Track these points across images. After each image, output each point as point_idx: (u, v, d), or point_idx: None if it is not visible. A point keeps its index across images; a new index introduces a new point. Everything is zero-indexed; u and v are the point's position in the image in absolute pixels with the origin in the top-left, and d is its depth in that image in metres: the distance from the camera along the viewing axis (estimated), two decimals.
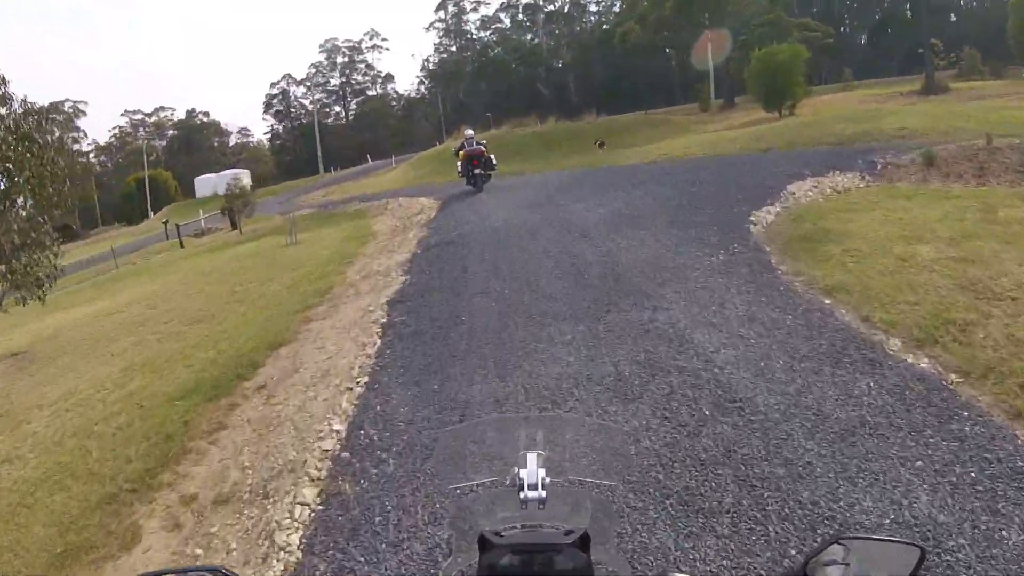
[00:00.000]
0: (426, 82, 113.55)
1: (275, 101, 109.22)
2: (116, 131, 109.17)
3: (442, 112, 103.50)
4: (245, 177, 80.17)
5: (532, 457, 1.71)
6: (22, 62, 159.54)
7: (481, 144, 22.25)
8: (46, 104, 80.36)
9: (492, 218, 15.24)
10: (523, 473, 1.68)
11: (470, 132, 23.64)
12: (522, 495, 1.65)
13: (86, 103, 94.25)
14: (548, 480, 1.66)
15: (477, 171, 21.48)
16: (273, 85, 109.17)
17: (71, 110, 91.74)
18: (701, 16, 56.61)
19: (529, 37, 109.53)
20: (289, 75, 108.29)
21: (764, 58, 37.55)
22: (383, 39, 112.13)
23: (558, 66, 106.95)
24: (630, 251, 10.68)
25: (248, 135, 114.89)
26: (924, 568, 1.34)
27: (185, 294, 15.80)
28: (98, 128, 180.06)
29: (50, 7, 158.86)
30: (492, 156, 22.21)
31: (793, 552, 3.95)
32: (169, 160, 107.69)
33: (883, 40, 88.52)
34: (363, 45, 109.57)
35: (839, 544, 1.40)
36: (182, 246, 37.53)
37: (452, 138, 48.43)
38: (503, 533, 1.51)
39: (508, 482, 1.73)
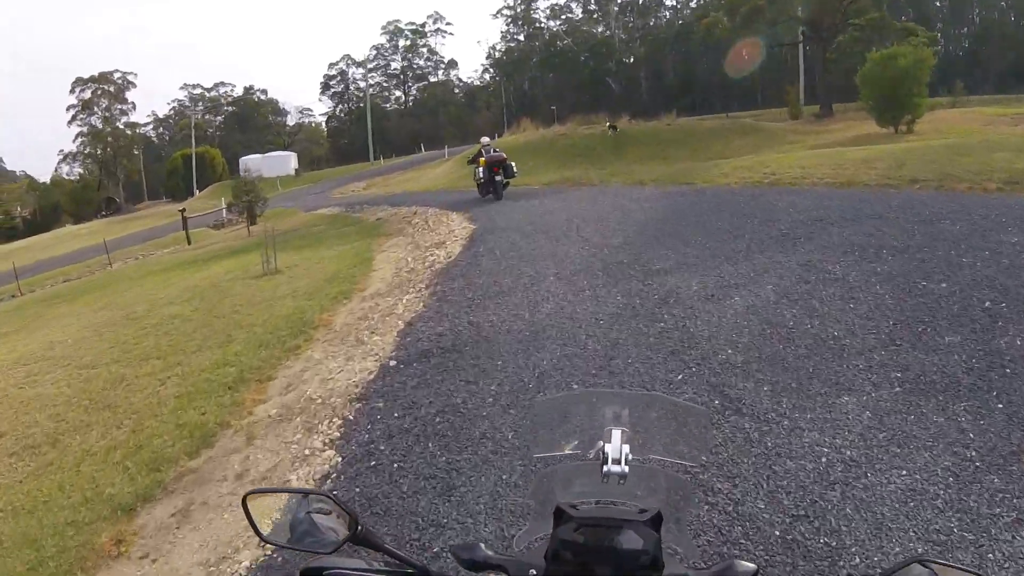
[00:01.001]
0: (491, 71, 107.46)
1: (333, 83, 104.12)
2: (175, 104, 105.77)
3: (505, 102, 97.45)
4: (292, 160, 75.85)
5: (617, 433, 1.65)
6: (86, 32, 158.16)
7: (500, 152, 21.69)
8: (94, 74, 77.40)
9: (534, 298, 8.57)
10: (607, 448, 1.62)
11: (487, 139, 23.15)
12: (604, 469, 1.58)
13: (135, 74, 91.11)
14: (631, 457, 1.61)
15: (499, 178, 20.59)
16: (332, 66, 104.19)
17: (120, 81, 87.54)
18: (795, 10, 49.43)
19: (600, 29, 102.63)
20: (349, 56, 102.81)
21: (883, 62, 30.65)
22: (447, 23, 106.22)
23: (629, 61, 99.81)
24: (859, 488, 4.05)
25: (310, 115, 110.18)
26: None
27: (42, 374, 9.94)
28: (159, 100, 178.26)
29: None
30: (513, 164, 21.30)
31: None
32: (224, 137, 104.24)
33: (984, 51, 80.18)
34: (427, 28, 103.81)
35: (919, 564, 1.31)
36: (189, 242, 32.29)
37: (510, 132, 42.41)
38: (579, 507, 1.48)
39: (592, 455, 1.67)
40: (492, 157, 20.92)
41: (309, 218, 29.26)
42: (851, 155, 18.97)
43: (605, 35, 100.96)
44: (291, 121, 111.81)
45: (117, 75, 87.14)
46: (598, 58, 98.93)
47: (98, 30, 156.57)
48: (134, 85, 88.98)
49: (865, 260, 8.37)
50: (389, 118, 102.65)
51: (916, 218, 10.13)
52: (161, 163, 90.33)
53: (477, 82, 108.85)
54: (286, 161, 72.94)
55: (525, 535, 1.66)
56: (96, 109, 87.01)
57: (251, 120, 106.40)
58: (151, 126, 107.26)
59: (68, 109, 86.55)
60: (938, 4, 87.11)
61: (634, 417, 1.79)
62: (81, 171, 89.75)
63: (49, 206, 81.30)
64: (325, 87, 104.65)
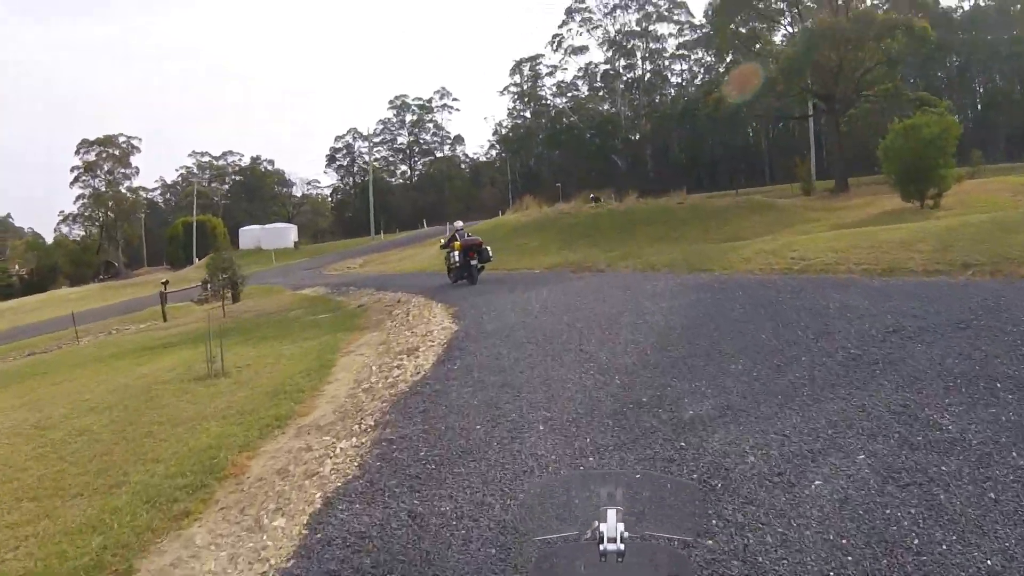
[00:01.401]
0: (497, 147, 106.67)
1: (339, 155, 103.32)
2: (183, 170, 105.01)
3: (510, 178, 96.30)
4: (292, 233, 74.08)
5: (611, 512, 1.72)
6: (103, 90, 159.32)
7: (474, 236, 21.44)
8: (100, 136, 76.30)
9: (513, 467, 5.70)
10: (603, 527, 1.69)
11: (460, 224, 22.84)
12: (601, 547, 1.66)
13: (140, 139, 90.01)
14: (627, 535, 1.68)
15: (474, 263, 20.00)
16: (338, 139, 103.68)
17: (125, 144, 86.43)
18: (805, 82, 47.80)
19: (606, 107, 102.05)
20: (355, 129, 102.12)
21: (906, 132, 28.62)
22: (454, 99, 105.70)
23: (635, 138, 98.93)
24: None
25: (317, 186, 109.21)
26: None
27: None
28: (168, 167, 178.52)
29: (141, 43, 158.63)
30: (488, 248, 20.61)
31: None
32: (230, 206, 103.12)
33: (991, 118, 78.98)
34: (433, 104, 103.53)
35: None
36: (164, 319, 29.88)
37: (513, 209, 40.40)
38: None
39: (588, 535, 1.74)
40: (468, 241, 20.28)
41: (291, 299, 26.97)
42: (885, 236, 16.50)
43: (611, 112, 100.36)
44: (297, 192, 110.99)
45: (122, 139, 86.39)
46: (604, 135, 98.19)
47: (113, 89, 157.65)
48: (139, 150, 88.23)
49: (980, 402, 5.79)
50: (394, 192, 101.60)
51: (1014, 326, 7.65)
52: (166, 228, 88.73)
53: (483, 158, 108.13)
54: (286, 233, 71.15)
55: None
56: (99, 172, 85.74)
57: (257, 190, 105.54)
58: (158, 191, 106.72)
59: (72, 170, 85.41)
60: (940, 75, 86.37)
61: (628, 496, 1.87)
62: (82, 233, 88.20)
63: (47, 266, 79.47)
64: (331, 160, 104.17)
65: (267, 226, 74.69)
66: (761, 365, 7.55)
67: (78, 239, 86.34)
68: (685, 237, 27.32)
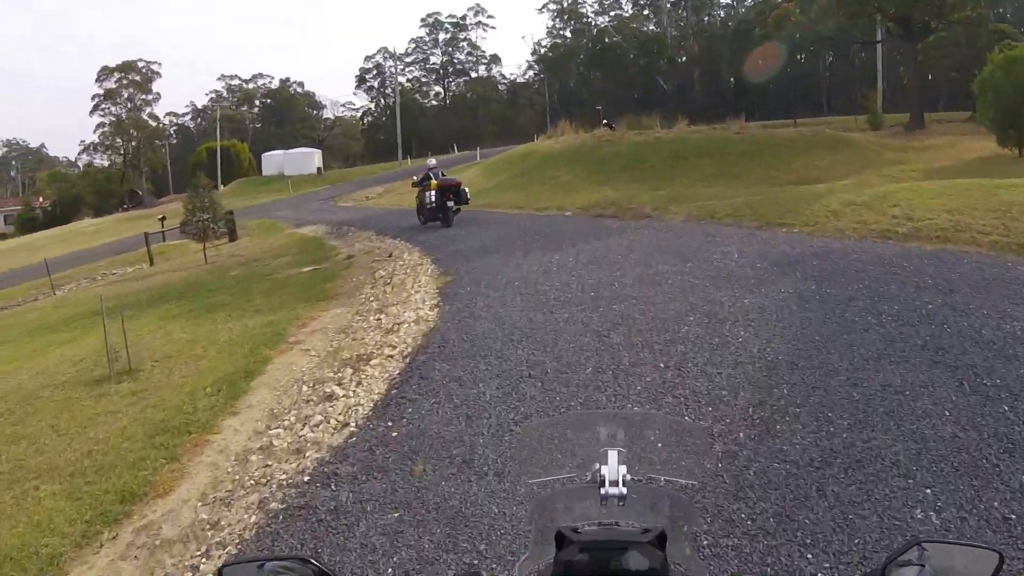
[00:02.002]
0: (534, 67, 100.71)
1: (369, 76, 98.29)
2: (212, 95, 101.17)
3: (548, 100, 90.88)
4: (315, 158, 69.96)
5: (613, 454, 1.62)
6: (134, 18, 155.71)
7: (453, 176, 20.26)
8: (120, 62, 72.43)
9: None
10: (604, 469, 1.60)
11: (434, 162, 21.20)
12: (602, 491, 1.58)
13: (159, 63, 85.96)
14: (628, 477, 1.59)
15: (450, 204, 18.59)
16: (368, 59, 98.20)
17: (145, 70, 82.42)
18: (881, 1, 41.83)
19: (651, 28, 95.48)
20: (385, 48, 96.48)
21: (1008, 66, 23.56)
22: (489, 16, 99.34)
23: (682, 60, 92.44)
24: None
25: (352, 108, 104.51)
26: (1002, 573, 1.32)
27: None
28: (199, 92, 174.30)
29: None
30: (466, 189, 19.39)
31: None
32: (259, 131, 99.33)
33: None
34: (467, 21, 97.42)
35: (918, 546, 1.37)
36: (151, 263, 26.47)
37: (547, 135, 35.95)
38: (580, 530, 1.45)
39: (588, 478, 1.65)
40: (445, 181, 19.00)
41: (286, 241, 23.39)
42: (1007, 194, 12.12)
43: (656, 32, 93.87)
44: (329, 115, 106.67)
45: (141, 64, 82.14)
46: (648, 56, 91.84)
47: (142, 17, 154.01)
48: (159, 75, 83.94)
49: None
50: (426, 114, 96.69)
51: None
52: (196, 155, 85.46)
53: (520, 79, 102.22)
54: (309, 159, 67.03)
55: (528, 561, 1.60)
56: (120, 99, 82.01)
57: (286, 113, 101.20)
58: (189, 116, 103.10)
59: (93, 99, 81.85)
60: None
61: (630, 437, 1.77)
62: (108, 163, 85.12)
63: (70, 197, 76.81)
64: (361, 81, 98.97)
65: (290, 151, 70.46)
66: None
67: (106, 167, 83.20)
68: (746, 175, 22.98)
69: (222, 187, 68.24)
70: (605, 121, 33.49)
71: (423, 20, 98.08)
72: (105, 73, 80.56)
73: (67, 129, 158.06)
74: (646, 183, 22.56)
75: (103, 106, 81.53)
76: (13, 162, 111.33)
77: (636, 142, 27.79)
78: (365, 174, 59.26)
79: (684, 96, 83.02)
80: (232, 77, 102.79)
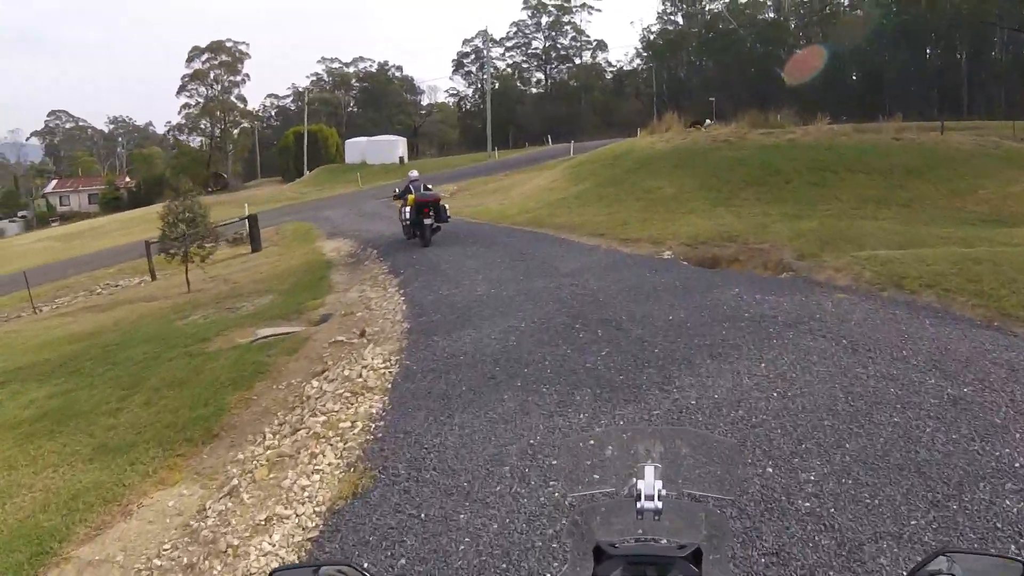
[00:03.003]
0: (642, 55, 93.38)
1: (467, 61, 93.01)
2: (312, 77, 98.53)
3: (656, 89, 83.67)
4: (399, 146, 65.02)
5: (650, 469, 1.68)
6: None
7: (430, 189, 17.16)
8: (209, 42, 69.14)
9: None
10: (640, 484, 1.65)
11: (415, 173, 18.15)
12: (639, 505, 1.61)
13: (247, 44, 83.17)
14: (664, 492, 1.64)
15: (428, 221, 16.40)
16: (466, 42, 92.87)
17: (233, 49, 79.13)
18: None
19: (770, 14, 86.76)
20: (485, 31, 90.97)
21: None
22: None
23: (805, 46, 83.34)
24: None
25: (455, 94, 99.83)
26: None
27: None
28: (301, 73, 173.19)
29: None
30: (447, 206, 16.91)
31: None
32: (355, 115, 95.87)
33: None
34: (572, 4, 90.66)
35: (944, 556, 1.42)
36: (152, 277, 21.64)
37: (647, 131, 29.51)
38: (618, 544, 1.51)
39: (625, 493, 1.72)
40: (424, 196, 16.86)
41: (297, 263, 18.40)
42: None
43: (775, 18, 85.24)
44: (425, 101, 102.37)
45: (229, 43, 78.93)
46: (766, 43, 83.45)
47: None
48: (248, 56, 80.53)
49: None
50: (525, 102, 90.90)
51: None
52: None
53: (627, 67, 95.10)
54: (392, 147, 62.08)
55: (567, 575, 1.65)
56: (207, 80, 79.10)
57: (384, 98, 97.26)
58: (290, 99, 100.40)
59: (182, 79, 79.26)
60: None
61: (666, 452, 1.83)
62: (200, 143, 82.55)
63: (154, 178, 74.45)
64: (458, 65, 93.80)
65: (373, 138, 65.70)
66: None
67: (178, 151, 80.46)
68: (919, 203, 16.28)
69: (306, 173, 64.53)
70: (696, 121, 27.23)
71: (525, 2, 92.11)
72: (196, 52, 77.89)
73: (173, 108, 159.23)
74: (780, 206, 16.24)
75: (190, 87, 78.92)
76: (120, 139, 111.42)
77: (763, 146, 21.20)
78: (451, 165, 54.00)
79: (804, 88, 74.60)
80: (332, 60, 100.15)
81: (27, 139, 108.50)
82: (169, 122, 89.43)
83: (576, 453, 2.17)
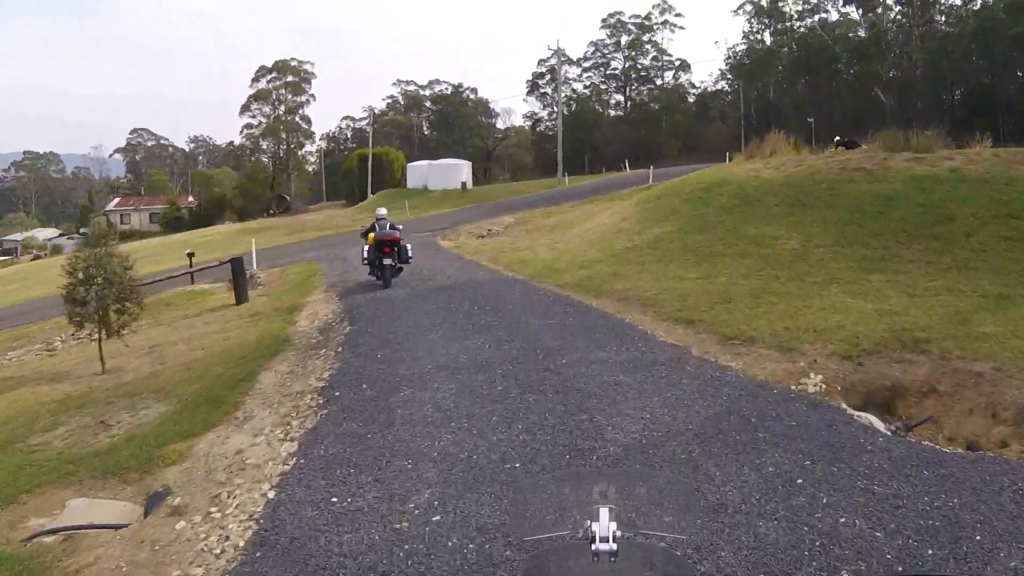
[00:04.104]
0: (727, 76, 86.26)
1: (542, 82, 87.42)
2: (389, 100, 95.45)
3: (743, 113, 76.67)
4: (463, 171, 59.44)
5: (604, 511, 1.70)
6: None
7: (397, 228, 15.88)
8: (274, 62, 65.68)
9: None
10: (595, 526, 1.67)
11: (383, 211, 16.69)
12: (594, 547, 1.63)
13: (312, 63, 79.39)
14: (619, 534, 1.66)
15: (388, 262, 15.36)
16: (541, 62, 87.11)
17: (298, 68, 75.32)
18: None
19: (864, 32, 78.43)
20: (561, 51, 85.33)
21: None
22: (677, 15, 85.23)
23: (907, 65, 74.95)
24: None
25: (532, 116, 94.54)
26: None
27: None
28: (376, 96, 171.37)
29: None
30: (408, 246, 15.80)
31: None
32: (427, 138, 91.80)
33: None
34: (652, 21, 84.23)
35: None
36: (103, 366, 16.50)
37: (743, 156, 23.15)
38: None
39: (580, 535, 1.71)
40: (384, 236, 15.33)
41: (256, 336, 12.89)
42: None
43: (876, 32, 76.99)
44: (501, 124, 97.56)
45: (294, 62, 75.17)
46: (862, 61, 75.45)
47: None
48: (313, 75, 76.80)
49: None
50: (602, 125, 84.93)
51: None
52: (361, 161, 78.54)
53: (710, 88, 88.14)
54: (455, 171, 56.62)
55: None
56: (272, 100, 75.59)
57: (457, 120, 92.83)
58: (366, 121, 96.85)
59: (249, 100, 75.93)
60: None
61: (620, 493, 1.82)
62: (264, 163, 79.09)
63: (216, 199, 71.35)
64: (533, 87, 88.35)
65: (435, 162, 60.31)
66: None
67: (247, 171, 76.95)
68: None
69: (370, 195, 60.03)
70: (840, 140, 21.15)
71: (604, 21, 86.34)
72: (262, 72, 74.47)
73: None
74: (969, 276, 10.25)
75: (253, 106, 75.47)
76: (200, 157, 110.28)
77: (915, 177, 14.79)
78: (517, 192, 48.48)
79: (904, 110, 66.66)
80: (408, 82, 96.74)
81: (110, 155, 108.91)
82: (231, 142, 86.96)
83: (529, 495, 2.30)
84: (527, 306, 11.36)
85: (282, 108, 75.45)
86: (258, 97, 74.56)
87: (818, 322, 8.68)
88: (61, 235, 74.19)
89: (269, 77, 74.42)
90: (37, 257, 63.96)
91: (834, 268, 11.27)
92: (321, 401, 7.73)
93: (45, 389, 12.21)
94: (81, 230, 77.16)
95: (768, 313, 9.24)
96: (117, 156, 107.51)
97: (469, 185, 56.56)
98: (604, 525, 1.62)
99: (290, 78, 74.22)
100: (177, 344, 13.80)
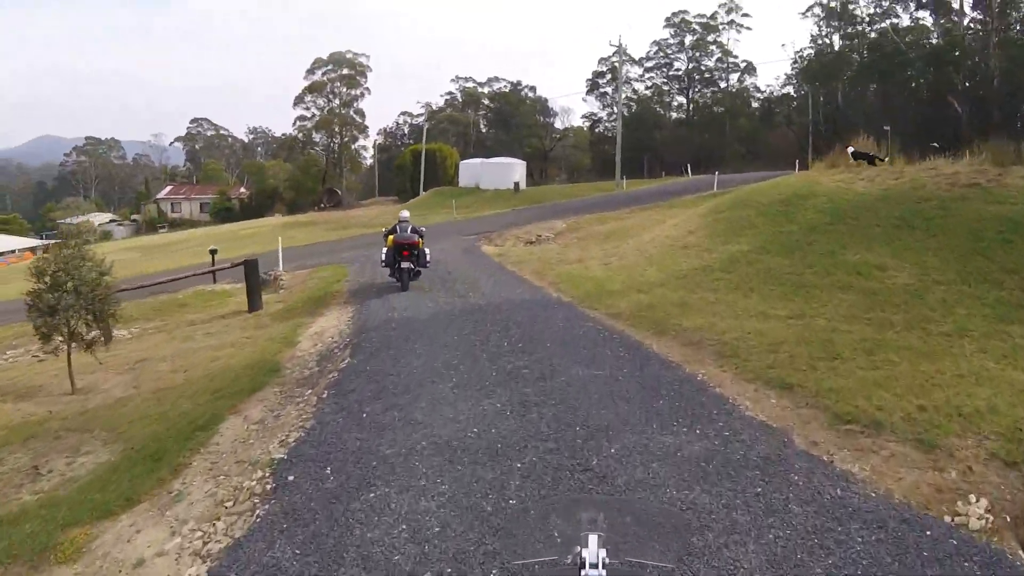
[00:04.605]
0: (794, 80, 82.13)
1: (602, 81, 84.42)
2: (447, 96, 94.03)
3: (812, 119, 72.83)
4: (517, 170, 56.94)
5: (594, 537, 1.69)
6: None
7: (419, 231, 15.52)
8: (329, 54, 64.10)
9: None
10: (584, 552, 1.67)
11: (406, 213, 16.61)
12: (583, 573, 1.63)
13: (367, 56, 76.80)
14: (608, 560, 1.66)
15: (405, 265, 15.06)
16: (602, 61, 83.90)
17: (353, 60, 73.48)
18: None
19: (936, 38, 73.69)
20: (623, 48, 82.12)
21: None
22: (744, 15, 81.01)
23: (986, 70, 70.09)
24: None
25: (591, 116, 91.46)
26: None
27: None
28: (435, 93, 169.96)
29: None
30: (427, 250, 15.52)
31: None
32: (484, 136, 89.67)
33: None
34: (718, 21, 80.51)
35: None
36: (72, 387, 14.60)
37: (823, 164, 20.35)
38: None
39: (570, 561, 1.72)
40: (403, 238, 15.12)
41: (249, 360, 10.76)
42: None
43: (952, 35, 72.24)
44: (559, 124, 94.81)
45: (349, 54, 73.41)
46: (938, 69, 70.85)
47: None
48: (369, 68, 74.86)
49: None
50: (663, 127, 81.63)
51: None
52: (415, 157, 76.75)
53: (777, 92, 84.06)
54: (508, 171, 54.10)
55: None
56: (327, 92, 73.96)
57: (515, 119, 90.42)
58: (423, 117, 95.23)
59: (304, 92, 74.48)
60: None
61: (610, 520, 1.80)
62: (317, 156, 77.60)
63: (267, 190, 70.22)
64: (593, 86, 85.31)
65: (488, 160, 58.00)
66: None
67: (299, 164, 75.53)
68: None
69: (422, 192, 58.20)
70: (854, 150, 18.59)
71: (668, 20, 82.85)
72: (317, 64, 72.97)
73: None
74: None
75: (307, 99, 74.00)
76: (259, 148, 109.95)
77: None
78: (572, 194, 45.93)
79: (982, 119, 62.23)
80: (467, 79, 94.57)
81: (170, 143, 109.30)
82: (285, 133, 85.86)
83: (519, 521, 2.43)
84: (570, 344, 9.00)
85: (336, 101, 73.77)
86: (312, 89, 72.97)
87: (960, 400, 6.18)
88: (111, 221, 73.79)
89: (324, 69, 72.93)
90: (86, 243, 63.31)
91: (962, 314, 8.70)
92: (269, 487, 5.55)
93: (7, 408, 10.40)
94: (132, 217, 76.95)
95: (891, 380, 6.75)
96: (177, 144, 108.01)
97: (523, 185, 54.08)
98: (593, 551, 1.62)
99: (345, 71, 72.49)
100: (163, 361, 11.82)
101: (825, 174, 17.58)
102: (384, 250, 15.40)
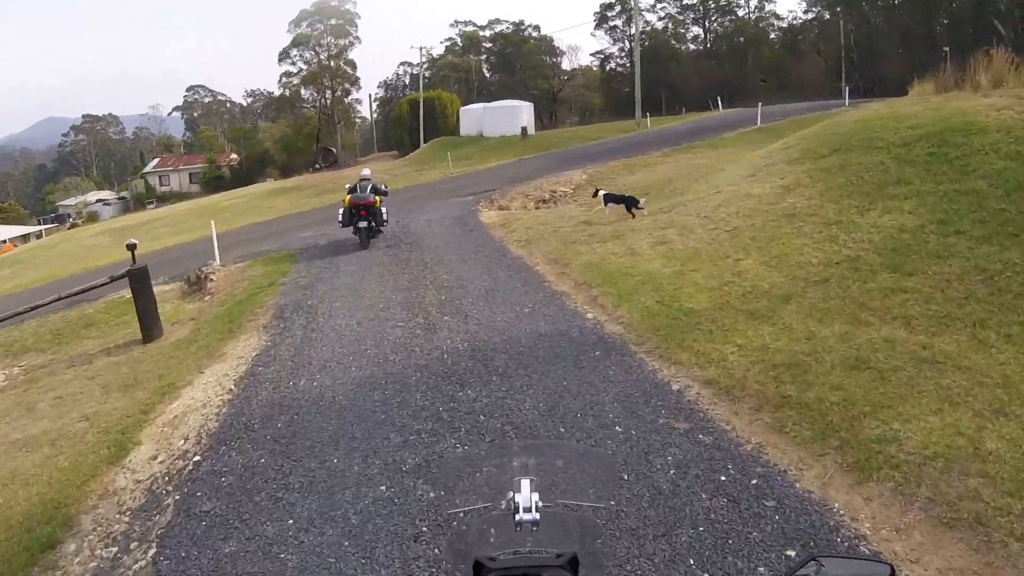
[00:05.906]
0: (818, 5, 74.87)
1: (611, 14, 77.45)
2: (447, 42, 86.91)
3: (844, 45, 65.96)
4: (523, 114, 49.84)
5: (526, 482, 1.68)
6: None
7: (379, 190, 15.23)
8: (313, 2, 56.12)
9: None
10: (518, 497, 1.66)
11: (367, 172, 16.44)
12: (516, 518, 1.62)
13: (355, 2, 70.33)
14: (541, 504, 1.64)
15: (362, 224, 14.77)
16: None
17: (338, 6, 66.91)
18: None
19: None
20: None
21: None
22: None
23: None
24: None
25: (600, 53, 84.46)
26: None
27: None
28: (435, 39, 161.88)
29: None
30: (385, 209, 15.26)
31: None
32: (487, 81, 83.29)
33: None
34: None
35: (815, 561, 1.38)
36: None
37: (930, 89, 14.50)
38: (496, 558, 1.48)
39: (503, 506, 1.70)
40: (359, 199, 14.74)
41: (82, 483, 5.09)
42: None
43: None
44: (567, 65, 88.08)
45: (335, 2, 66.61)
46: None
47: None
48: (358, 16, 67.97)
49: None
50: (679, 60, 74.85)
51: None
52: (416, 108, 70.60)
53: (799, 18, 76.89)
54: (513, 115, 47.64)
55: None
56: (312, 44, 67.44)
57: (519, 61, 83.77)
58: (425, 66, 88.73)
59: (291, 47, 68.09)
60: None
61: (542, 465, 1.78)
62: (310, 114, 71.47)
63: (256, 155, 64.73)
64: (601, 20, 78.25)
65: (490, 104, 51.28)
66: None
67: (289, 123, 69.54)
68: None
69: (423, 144, 52.31)
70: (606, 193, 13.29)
71: None
72: (304, 16, 66.27)
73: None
74: None
75: (293, 52, 67.45)
76: (258, 110, 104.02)
77: None
78: (588, 138, 39.90)
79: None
80: (467, 23, 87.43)
81: (168, 114, 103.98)
82: (269, 92, 79.34)
83: (452, 469, 2.42)
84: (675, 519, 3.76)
85: (324, 54, 67.23)
86: (298, 42, 66.34)
87: None
88: (98, 200, 68.69)
89: (310, 19, 66.26)
90: (75, 225, 58.58)
91: None
92: None
93: None
94: (120, 194, 71.87)
95: None
96: (175, 115, 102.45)
97: (531, 131, 47.73)
98: (526, 496, 1.60)
99: (333, 21, 65.91)
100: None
101: (971, 102, 11.75)
102: (340, 210, 14.99)
